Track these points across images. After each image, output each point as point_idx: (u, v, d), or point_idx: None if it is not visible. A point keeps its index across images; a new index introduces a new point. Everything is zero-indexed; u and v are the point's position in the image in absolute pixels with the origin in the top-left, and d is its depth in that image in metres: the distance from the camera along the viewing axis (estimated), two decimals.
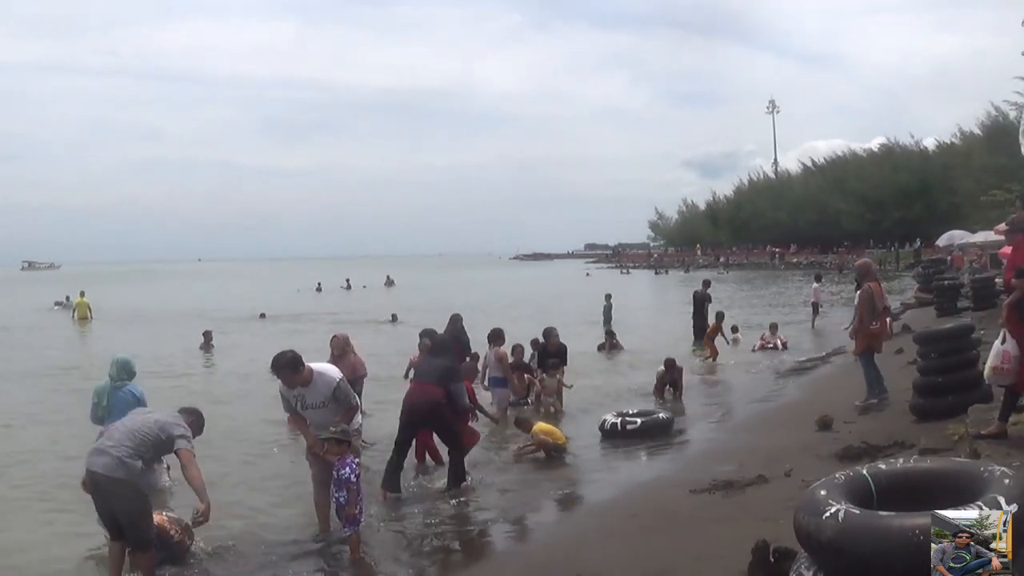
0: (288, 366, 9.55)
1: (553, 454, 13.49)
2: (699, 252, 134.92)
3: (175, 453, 8.08)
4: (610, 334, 27.90)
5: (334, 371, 9.98)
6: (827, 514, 4.19)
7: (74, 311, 46.56)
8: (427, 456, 13.36)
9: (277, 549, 9.57)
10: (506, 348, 17.52)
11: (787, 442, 12.48)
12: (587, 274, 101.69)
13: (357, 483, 9.09)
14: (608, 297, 33.06)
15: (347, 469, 8.99)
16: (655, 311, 44.15)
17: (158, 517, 8.81)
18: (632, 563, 7.80)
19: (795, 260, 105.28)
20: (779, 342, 26.93)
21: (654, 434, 14.64)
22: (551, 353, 18.02)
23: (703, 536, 8.35)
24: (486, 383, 17.45)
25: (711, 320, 27.47)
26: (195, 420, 8.70)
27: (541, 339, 19.03)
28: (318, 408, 9.66)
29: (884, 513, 4.15)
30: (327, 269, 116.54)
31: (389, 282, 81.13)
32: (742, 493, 9.88)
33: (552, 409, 17.14)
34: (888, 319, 17.01)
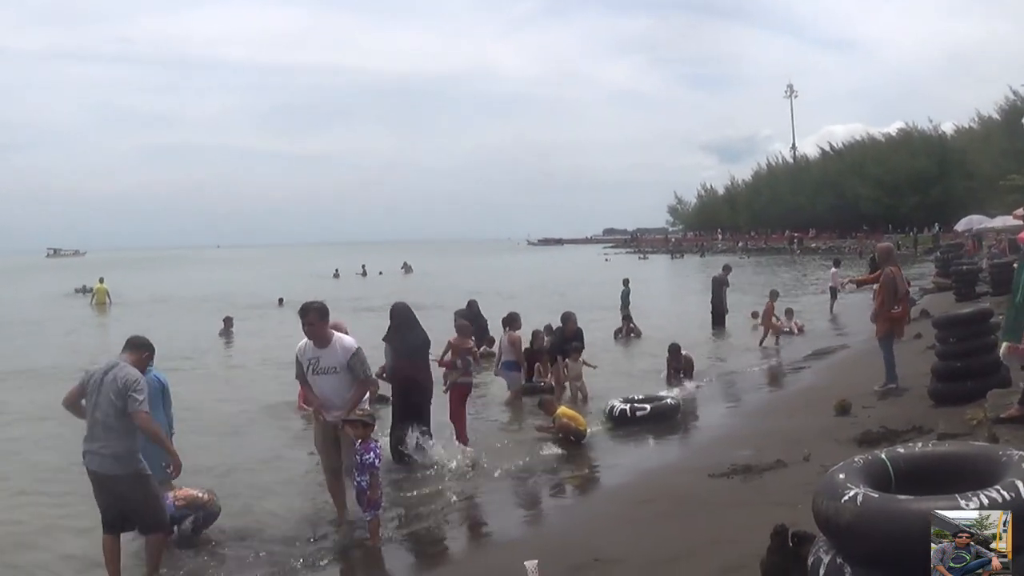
0: (316, 311, 9.64)
1: (572, 439, 13.52)
2: (720, 237, 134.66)
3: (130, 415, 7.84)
4: (627, 319, 27.81)
5: (354, 341, 9.96)
6: (846, 498, 4.20)
7: (92, 297, 46.82)
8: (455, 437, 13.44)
9: (293, 537, 9.57)
10: (521, 333, 17.51)
11: (805, 427, 12.49)
12: (606, 259, 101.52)
13: (379, 468, 9.16)
14: (626, 282, 32.96)
15: (371, 454, 9.02)
16: (672, 296, 44.01)
17: (183, 491, 8.92)
18: (650, 548, 7.83)
19: (813, 245, 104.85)
20: (795, 327, 26.90)
21: (664, 419, 14.69)
22: (569, 337, 17.92)
23: (721, 521, 8.36)
24: (496, 369, 17.52)
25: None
26: (139, 354, 8.47)
27: (558, 324, 18.92)
28: (329, 374, 9.64)
29: (903, 497, 4.15)
30: (344, 255, 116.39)
31: (407, 268, 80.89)
32: (760, 478, 9.89)
33: (580, 395, 17.06)
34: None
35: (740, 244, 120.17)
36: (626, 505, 9.90)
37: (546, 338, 19.05)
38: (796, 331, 26.67)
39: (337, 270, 73.80)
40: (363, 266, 77.53)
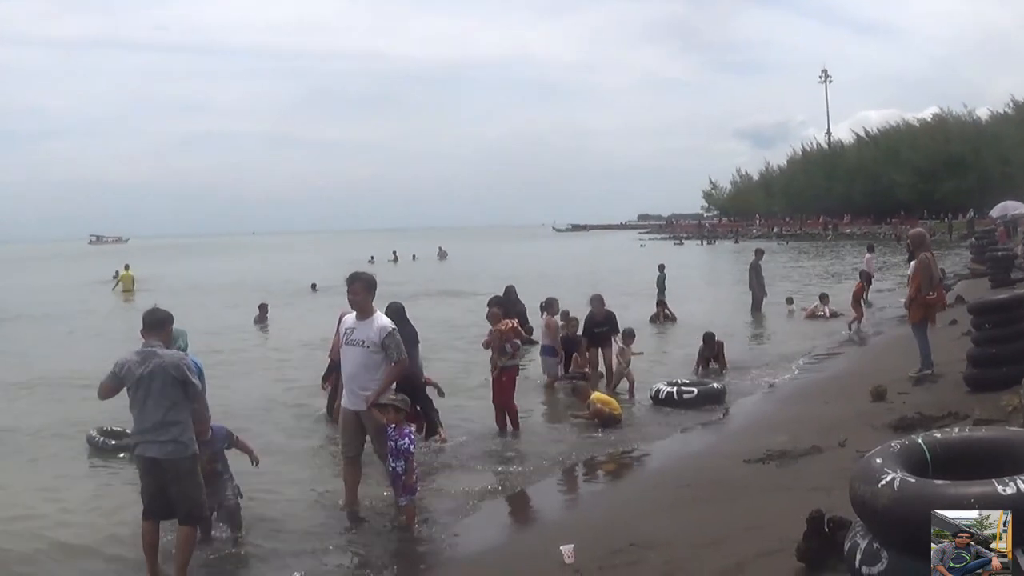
0: (363, 281, 9.73)
1: (607, 424, 13.56)
2: (758, 222, 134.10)
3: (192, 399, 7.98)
4: (661, 304, 27.72)
5: (391, 322, 9.88)
6: (883, 482, 4.23)
7: (118, 284, 47.19)
8: (507, 423, 13.54)
9: (317, 522, 9.58)
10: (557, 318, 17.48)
11: (840, 412, 12.47)
12: (641, 245, 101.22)
13: (414, 453, 9.21)
14: (661, 267, 32.85)
15: (406, 440, 9.07)
16: (708, 281, 43.74)
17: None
18: (686, 532, 7.86)
19: (848, 231, 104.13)
20: (828, 311, 26.79)
21: (709, 403, 14.73)
22: (599, 321, 17.66)
23: (757, 506, 8.39)
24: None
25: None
26: (164, 331, 8.30)
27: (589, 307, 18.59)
28: (358, 347, 9.57)
29: (939, 482, 4.18)
30: (376, 242, 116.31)
31: (442, 254, 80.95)
32: (795, 463, 9.91)
33: (627, 381, 16.64)
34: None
35: (775, 230, 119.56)
36: (662, 490, 9.94)
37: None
38: (829, 315, 26.57)
39: (372, 256, 73.91)
40: (394, 252, 77.49)
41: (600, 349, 17.60)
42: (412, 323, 13.07)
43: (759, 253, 30.18)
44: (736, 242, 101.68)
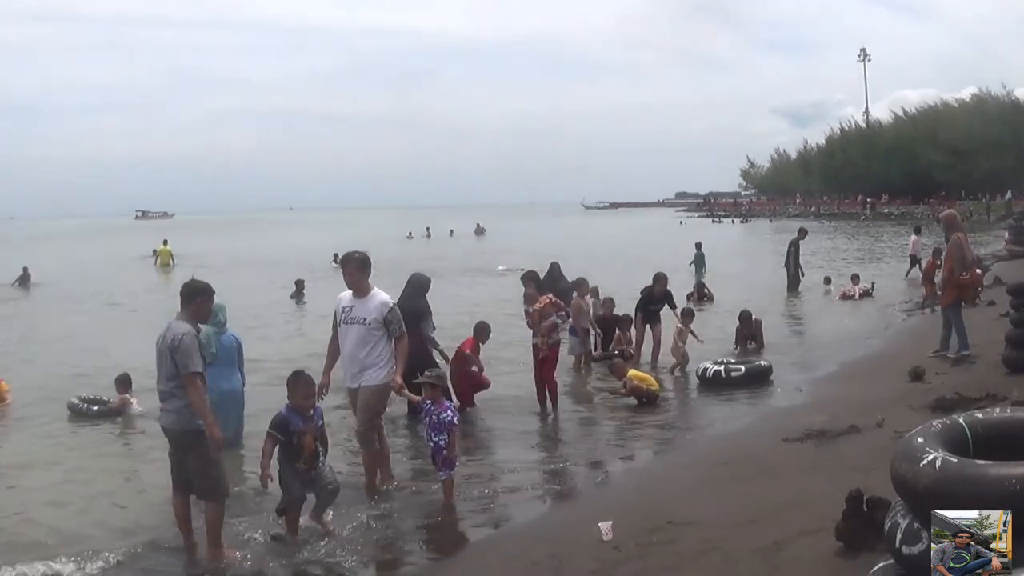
0: (356, 260, 9.66)
1: (644, 401, 13.60)
2: (798, 200, 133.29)
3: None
4: (700, 284, 27.57)
5: (390, 299, 9.88)
6: (924, 462, 4.22)
7: (156, 259, 48.05)
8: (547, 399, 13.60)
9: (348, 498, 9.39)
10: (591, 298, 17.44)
11: (878, 393, 12.46)
12: (680, 223, 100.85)
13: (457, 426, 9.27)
14: (698, 246, 32.68)
15: (448, 412, 9.11)
16: (747, 260, 43.30)
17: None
18: (723, 510, 7.89)
19: (886, 211, 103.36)
20: (858, 291, 26.77)
21: (756, 381, 14.76)
22: (657, 299, 17.65)
23: (795, 485, 8.40)
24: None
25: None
26: (193, 304, 8.24)
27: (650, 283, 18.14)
28: (357, 324, 9.51)
29: (981, 462, 4.18)
30: (409, 218, 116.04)
31: (480, 230, 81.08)
32: (834, 443, 9.92)
33: (677, 357, 16.57)
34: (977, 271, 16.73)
35: (812, 209, 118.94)
36: (699, 468, 9.95)
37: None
38: (859, 295, 26.55)
39: (411, 232, 74.52)
40: (427, 228, 78.36)
41: (650, 326, 17.58)
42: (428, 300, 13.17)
43: (802, 232, 29.83)
44: (772, 221, 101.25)
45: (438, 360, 13.20)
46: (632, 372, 14.10)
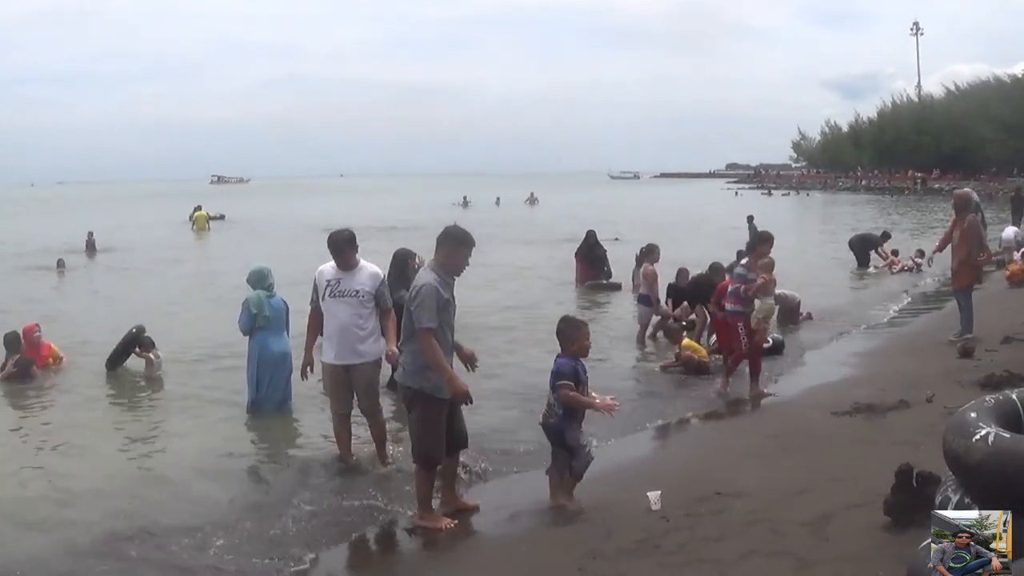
0: (345, 241, 9.41)
1: (696, 371, 13.61)
2: (858, 172, 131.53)
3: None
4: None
5: (379, 269, 9.75)
6: (976, 437, 4.24)
7: (193, 224, 49.80)
8: None
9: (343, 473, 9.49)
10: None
11: (928, 368, 12.41)
12: (736, 194, 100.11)
13: None
14: (750, 219, 32.30)
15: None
16: (797, 233, 42.75)
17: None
18: (772, 482, 7.91)
19: (937, 186, 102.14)
20: (905, 265, 26.93)
21: (773, 354, 14.60)
22: (682, 293, 17.19)
23: (843, 458, 8.41)
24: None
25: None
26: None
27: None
28: (348, 297, 9.30)
29: None
30: (455, 187, 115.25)
31: (532, 200, 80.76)
32: (883, 417, 9.91)
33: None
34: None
35: (863, 183, 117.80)
36: (748, 439, 9.99)
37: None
38: (912, 267, 26.78)
39: (465, 197, 74.87)
40: (464, 197, 77.74)
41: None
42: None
43: (885, 236, 29.47)
44: (823, 193, 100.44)
45: None
46: (686, 341, 14.14)
